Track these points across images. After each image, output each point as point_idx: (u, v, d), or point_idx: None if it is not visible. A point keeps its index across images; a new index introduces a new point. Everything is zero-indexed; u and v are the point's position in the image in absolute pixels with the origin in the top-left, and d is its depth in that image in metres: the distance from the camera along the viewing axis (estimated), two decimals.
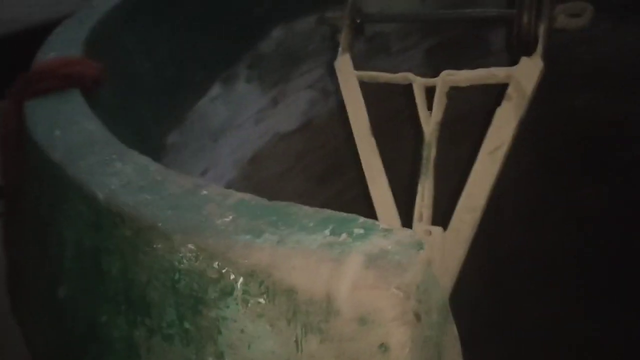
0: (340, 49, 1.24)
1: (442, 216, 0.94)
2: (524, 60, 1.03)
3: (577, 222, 1.88)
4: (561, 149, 1.90)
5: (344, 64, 1.20)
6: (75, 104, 0.89)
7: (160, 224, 0.62)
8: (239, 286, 0.57)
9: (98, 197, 0.68)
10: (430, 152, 0.94)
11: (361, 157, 0.98)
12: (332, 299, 0.52)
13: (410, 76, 1.05)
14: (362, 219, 0.57)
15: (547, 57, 1.03)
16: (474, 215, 0.87)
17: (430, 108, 0.99)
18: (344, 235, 0.55)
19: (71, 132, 0.81)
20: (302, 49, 1.56)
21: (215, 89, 1.45)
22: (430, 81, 1.04)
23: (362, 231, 0.56)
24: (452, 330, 0.60)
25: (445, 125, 0.97)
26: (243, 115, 1.53)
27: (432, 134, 0.94)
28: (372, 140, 1.02)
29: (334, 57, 1.35)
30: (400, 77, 1.07)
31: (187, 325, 0.60)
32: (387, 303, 0.51)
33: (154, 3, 1.31)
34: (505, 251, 1.82)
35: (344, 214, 0.58)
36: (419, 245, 0.53)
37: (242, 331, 0.57)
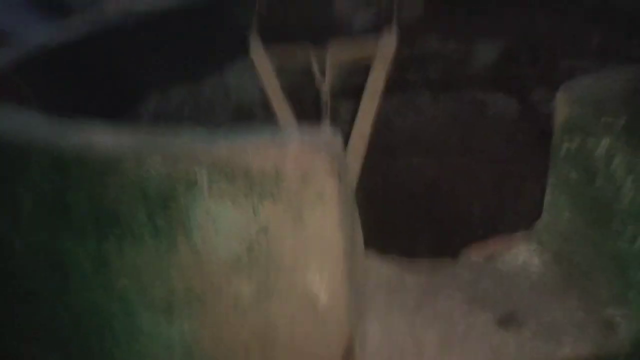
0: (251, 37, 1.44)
1: None
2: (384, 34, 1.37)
3: None
4: (388, 208, 2.21)
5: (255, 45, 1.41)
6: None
7: (126, 149, 0.77)
8: (203, 177, 0.74)
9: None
10: (327, 105, 1.18)
11: (275, 112, 1.18)
12: (280, 169, 0.72)
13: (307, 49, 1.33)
14: (291, 128, 0.78)
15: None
16: (364, 139, 1.12)
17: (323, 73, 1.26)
18: (281, 134, 0.76)
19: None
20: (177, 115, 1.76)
21: None
22: (322, 53, 1.34)
23: (293, 130, 0.77)
24: (359, 221, 0.81)
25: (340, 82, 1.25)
26: None
27: (327, 92, 1.19)
28: (283, 96, 1.24)
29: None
30: (300, 49, 1.33)
31: (156, 220, 0.75)
32: (320, 163, 0.71)
33: None
34: None
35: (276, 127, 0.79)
36: (336, 134, 0.75)
37: (207, 212, 0.74)
